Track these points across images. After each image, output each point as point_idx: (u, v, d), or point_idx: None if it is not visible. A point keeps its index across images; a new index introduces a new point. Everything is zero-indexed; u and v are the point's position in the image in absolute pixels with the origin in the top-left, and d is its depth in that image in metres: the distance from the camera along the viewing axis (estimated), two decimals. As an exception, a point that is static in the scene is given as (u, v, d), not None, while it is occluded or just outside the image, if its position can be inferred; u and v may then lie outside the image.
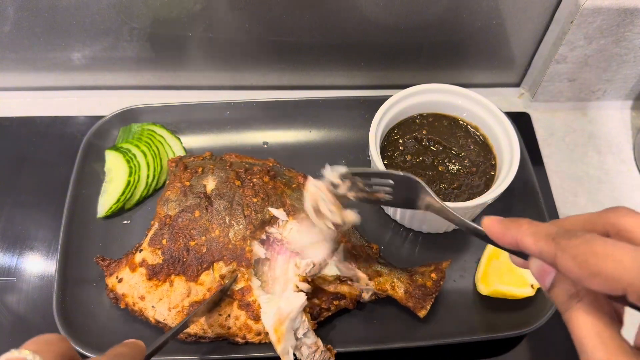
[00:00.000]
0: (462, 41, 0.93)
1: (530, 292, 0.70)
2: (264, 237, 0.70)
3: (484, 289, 0.72)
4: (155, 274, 0.68)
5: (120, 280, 0.69)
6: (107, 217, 0.80)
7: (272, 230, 0.70)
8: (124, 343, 0.46)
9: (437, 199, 0.55)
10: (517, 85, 1.03)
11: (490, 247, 0.74)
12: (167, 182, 0.76)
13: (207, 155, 0.79)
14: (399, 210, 0.77)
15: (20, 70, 0.96)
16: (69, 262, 0.74)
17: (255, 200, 0.71)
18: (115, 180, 0.80)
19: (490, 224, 0.39)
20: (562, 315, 0.34)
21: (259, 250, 0.69)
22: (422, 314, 0.68)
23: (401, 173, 0.58)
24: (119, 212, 0.80)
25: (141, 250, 0.70)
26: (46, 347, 0.39)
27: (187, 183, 0.73)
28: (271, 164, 0.79)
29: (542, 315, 0.69)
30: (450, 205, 0.69)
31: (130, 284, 0.69)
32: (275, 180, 0.74)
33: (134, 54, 0.93)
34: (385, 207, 0.80)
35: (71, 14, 0.85)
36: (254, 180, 0.72)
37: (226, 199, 0.70)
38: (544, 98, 0.98)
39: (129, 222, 0.80)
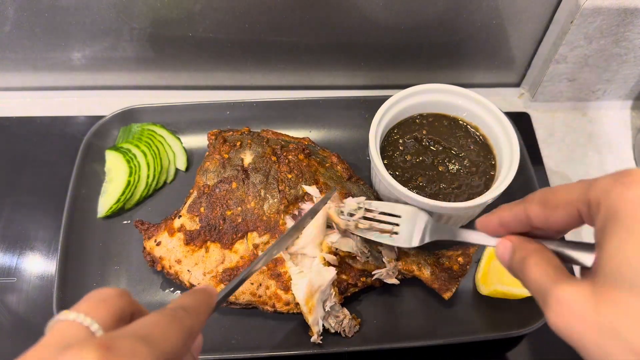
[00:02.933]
0: (462, 41, 0.93)
1: (530, 292, 0.70)
2: (296, 212, 0.72)
3: (484, 289, 0.72)
4: (192, 239, 0.71)
5: (158, 244, 0.72)
6: (107, 217, 0.80)
7: (304, 206, 0.72)
8: (192, 290, 0.41)
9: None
10: (517, 85, 1.03)
11: (490, 248, 0.74)
12: (207, 153, 0.78)
13: (245, 130, 0.82)
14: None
15: (20, 70, 0.96)
16: (69, 262, 0.74)
17: (289, 176, 0.73)
18: (116, 180, 0.80)
19: (479, 220, 0.44)
20: (519, 277, 0.39)
21: (291, 224, 0.71)
22: (447, 295, 0.70)
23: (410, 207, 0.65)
24: (119, 212, 0.80)
25: (180, 216, 0.73)
26: (101, 305, 0.34)
27: (226, 155, 0.75)
28: (306, 143, 0.81)
29: (542, 315, 0.69)
30: (451, 205, 0.69)
31: (167, 247, 0.72)
32: (310, 158, 0.76)
33: (134, 54, 0.93)
34: (384, 200, 0.80)
35: (71, 14, 0.85)
36: (290, 157, 0.75)
37: (262, 173, 0.73)
38: (544, 98, 0.98)
39: (129, 222, 0.80)
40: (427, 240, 0.63)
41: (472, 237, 0.51)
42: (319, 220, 0.68)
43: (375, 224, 0.67)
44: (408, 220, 0.66)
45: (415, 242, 0.64)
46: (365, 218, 0.68)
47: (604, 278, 0.30)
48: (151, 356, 0.31)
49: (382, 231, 0.66)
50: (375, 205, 0.69)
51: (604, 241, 0.31)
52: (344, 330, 0.68)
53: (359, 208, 0.68)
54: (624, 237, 0.29)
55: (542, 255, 0.38)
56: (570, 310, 0.31)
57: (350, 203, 0.69)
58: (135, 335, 0.32)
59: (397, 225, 0.66)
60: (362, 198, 0.70)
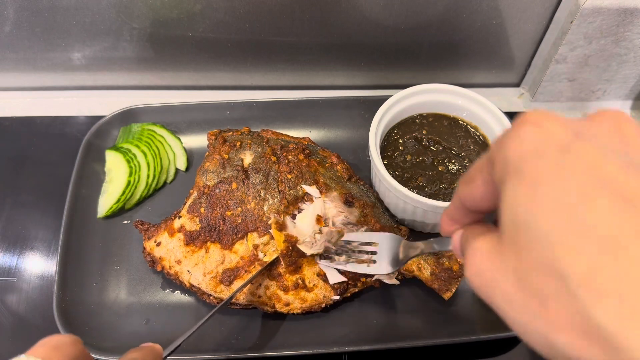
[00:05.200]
0: (462, 41, 0.93)
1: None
2: (296, 212, 0.72)
3: (484, 288, 0.72)
4: (192, 240, 0.71)
5: (158, 244, 0.72)
6: (107, 217, 0.80)
7: (304, 206, 0.72)
8: (140, 347, 0.44)
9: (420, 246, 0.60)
10: (517, 85, 1.03)
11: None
12: (207, 153, 0.78)
13: (245, 130, 0.81)
14: (399, 209, 0.77)
15: (20, 70, 0.96)
16: (69, 262, 0.74)
17: (289, 176, 0.73)
18: (116, 180, 0.80)
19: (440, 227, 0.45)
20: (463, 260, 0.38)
21: (291, 224, 0.71)
22: (447, 296, 0.70)
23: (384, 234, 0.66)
24: (119, 212, 0.80)
25: (180, 216, 0.73)
26: (56, 352, 0.36)
27: (226, 156, 0.75)
28: (306, 143, 0.81)
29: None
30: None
31: (167, 248, 0.72)
32: (310, 158, 0.76)
33: (134, 54, 0.93)
34: (384, 200, 0.80)
35: (71, 14, 0.85)
36: (290, 157, 0.75)
37: (262, 174, 0.73)
38: (544, 98, 0.98)
39: (129, 222, 0.80)
40: (402, 263, 0.64)
41: (440, 244, 0.52)
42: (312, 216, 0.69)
43: (353, 254, 0.68)
44: (384, 247, 0.66)
45: (392, 268, 0.65)
46: (343, 249, 0.69)
47: (505, 229, 0.29)
48: None
49: (360, 261, 0.67)
50: (352, 237, 0.69)
51: (500, 194, 0.30)
52: (330, 240, 0.68)
53: (332, 241, 0.69)
54: (514, 184, 0.29)
55: (478, 227, 0.37)
56: (480, 260, 0.32)
57: (327, 234, 0.69)
58: None
59: (375, 253, 0.66)
60: (336, 231, 0.70)
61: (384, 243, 0.67)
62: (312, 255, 0.69)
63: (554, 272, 0.26)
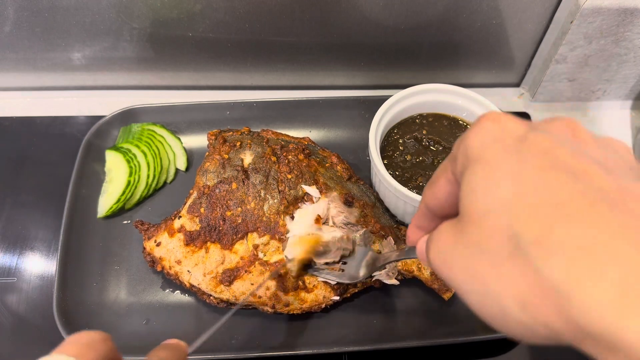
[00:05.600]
0: (462, 41, 0.93)
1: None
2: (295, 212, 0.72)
3: (484, 289, 0.72)
4: (192, 240, 0.71)
5: (158, 244, 0.72)
6: (107, 217, 0.80)
7: (304, 206, 0.72)
8: (165, 345, 0.42)
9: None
10: (517, 85, 1.03)
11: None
12: (207, 153, 0.78)
13: (245, 130, 0.81)
14: (399, 209, 0.77)
15: (20, 70, 0.96)
16: (69, 262, 0.74)
17: (289, 176, 0.73)
18: (116, 180, 0.80)
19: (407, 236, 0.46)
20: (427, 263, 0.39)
21: (290, 224, 0.71)
22: (447, 296, 0.70)
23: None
24: (119, 212, 0.80)
25: (180, 216, 0.73)
26: (88, 350, 0.35)
27: (226, 156, 0.75)
28: (306, 143, 0.81)
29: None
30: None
31: (167, 248, 0.72)
32: (310, 158, 0.76)
33: (134, 54, 0.93)
34: (384, 200, 0.79)
35: (71, 14, 0.85)
36: (290, 157, 0.75)
37: (262, 174, 0.73)
38: (544, 98, 0.98)
39: (129, 222, 0.80)
40: (370, 273, 0.65)
41: (407, 253, 0.54)
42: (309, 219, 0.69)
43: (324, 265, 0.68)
44: (353, 257, 0.68)
45: (360, 277, 0.66)
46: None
47: (463, 209, 0.31)
48: None
49: (331, 269, 0.68)
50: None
51: (461, 181, 0.32)
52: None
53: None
54: (473, 169, 0.30)
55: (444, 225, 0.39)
56: (442, 241, 0.33)
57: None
58: None
59: (345, 263, 0.68)
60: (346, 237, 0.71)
61: (353, 254, 0.68)
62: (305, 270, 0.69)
63: (508, 235, 0.27)
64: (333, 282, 0.69)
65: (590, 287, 0.23)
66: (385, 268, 0.70)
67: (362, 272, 0.66)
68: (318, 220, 0.69)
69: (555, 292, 0.25)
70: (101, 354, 0.36)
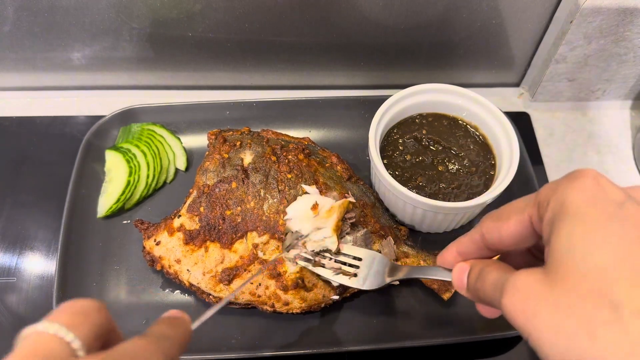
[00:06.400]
0: (462, 41, 0.93)
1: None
2: None
3: (484, 288, 0.72)
4: (191, 239, 0.71)
5: (157, 243, 0.72)
6: (107, 217, 0.80)
7: (300, 197, 0.72)
8: (166, 319, 0.39)
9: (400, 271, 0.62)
10: (517, 85, 1.03)
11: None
12: (207, 153, 0.79)
13: (245, 130, 0.81)
14: (399, 209, 0.77)
15: (20, 70, 0.96)
16: (69, 262, 0.74)
17: (289, 176, 0.73)
18: (115, 180, 0.80)
19: (439, 256, 0.46)
20: (478, 292, 0.39)
21: (288, 209, 0.71)
22: (446, 296, 0.70)
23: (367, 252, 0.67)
24: (119, 212, 0.80)
25: (179, 215, 0.73)
26: (82, 319, 0.32)
27: (226, 155, 0.75)
28: (306, 143, 0.81)
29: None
30: (450, 205, 0.69)
31: (167, 247, 0.72)
32: (310, 158, 0.76)
33: (134, 54, 0.93)
34: (384, 200, 0.79)
35: (71, 14, 0.85)
36: (289, 157, 0.75)
37: (262, 173, 0.73)
38: (544, 98, 0.98)
39: (128, 222, 0.80)
40: (386, 282, 0.63)
41: (430, 272, 0.52)
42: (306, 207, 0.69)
43: (337, 265, 0.67)
44: (367, 263, 0.66)
45: (370, 285, 0.64)
46: (325, 258, 0.68)
47: (556, 263, 0.31)
48: None
49: (344, 273, 0.66)
50: (343, 248, 0.69)
51: (552, 233, 0.32)
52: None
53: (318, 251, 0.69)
54: (571, 224, 0.31)
55: (498, 263, 0.39)
56: (525, 291, 0.33)
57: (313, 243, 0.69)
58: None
59: (358, 267, 0.66)
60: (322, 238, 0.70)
61: (368, 261, 0.66)
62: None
63: (608, 302, 0.27)
64: (339, 283, 0.67)
65: None
66: (397, 283, 0.69)
67: (372, 281, 0.64)
68: (315, 207, 0.68)
69: None
70: (95, 323, 0.33)
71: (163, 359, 0.33)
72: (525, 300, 0.32)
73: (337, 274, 0.66)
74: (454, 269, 0.42)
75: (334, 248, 0.67)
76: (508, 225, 0.37)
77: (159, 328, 0.37)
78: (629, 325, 0.26)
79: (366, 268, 0.66)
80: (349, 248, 0.69)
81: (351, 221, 0.71)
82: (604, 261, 0.28)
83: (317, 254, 0.68)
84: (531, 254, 0.44)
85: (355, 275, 0.65)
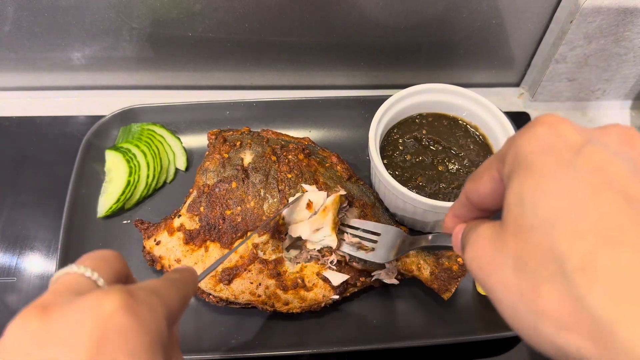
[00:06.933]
0: (462, 41, 0.93)
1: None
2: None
3: (484, 288, 0.72)
4: (192, 238, 0.71)
5: (157, 243, 0.72)
6: (107, 217, 0.80)
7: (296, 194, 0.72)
8: (177, 269, 0.45)
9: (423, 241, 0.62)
10: (517, 85, 1.03)
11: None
12: (207, 153, 0.79)
13: (245, 130, 0.82)
14: (399, 209, 0.77)
15: (20, 70, 0.96)
16: (69, 262, 0.73)
17: (289, 176, 0.73)
18: (115, 180, 0.80)
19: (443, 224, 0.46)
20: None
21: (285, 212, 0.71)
22: (446, 296, 0.70)
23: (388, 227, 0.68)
24: (119, 212, 0.80)
25: (179, 215, 0.73)
26: (104, 264, 0.37)
27: (226, 155, 0.75)
28: (306, 143, 0.81)
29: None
30: (450, 205, 0.69)
31: (167, 247, 0.72)
32: (310, 158, 0.76)
33: (134, 54, 0.93)
34: (384, 200, 0.79)
35: (71, 14, 0.85)
36: (290, 156, 0.75)
37: (262, 173, 0.73)
38: (544, 98, 0.98)
39: (128, 222, 0.80)
40: (401, 254, 0.66)
41: (441, 240, 0.54)
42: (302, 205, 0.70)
43: (356, 240, 0.69)
44: (386, 238, 0.68)
45: (392, 257, 0.66)
46: (343, 233, 0.70)
47: (508, 217, 0.30)
48: (162, 308, 0.35)
49: (362, 247, 0.68)
50: (357, 223, 0.70)
51: (508, 186, 0.31)
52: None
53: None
54: (523, 175, 0.29)
55: (488, 221, 0.38)
56: (481, 244, 0.33)
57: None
58: (147, 289, 0.35)
59: (376, 242, 0.68)
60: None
61: (385, 235, 0.68)
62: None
63: (552, 256, 0.26)
64: (362, 260, 0.69)
65: (636, 326, 0.22)
66: (397, 282, 0.71)
67: (393, 253, 0.66)
68: (309, 205, 0.69)
69: (594, 323, 0.24)
70: (116, 269, 0.38)
71: (178, 293, 0.38)
72: (480, 256, 0.32)
73: (358, 248, 0.68)
74: (453, 232, 0.42)
75: (334, 245, 0.68)
76: (483, 184, 0.36)
77: (170, 274, 0.42)
78: (571, 281, 0.25)
79: (384, 242, 0.67)
80: (364, 223, 0.70)
81: (345, 210, 0.71)
82: (550, 213, 0.27)
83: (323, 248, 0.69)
84: None
85: (373, 249, 0.67)
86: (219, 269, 0.69)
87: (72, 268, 0.36)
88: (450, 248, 0.70)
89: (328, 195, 0.71)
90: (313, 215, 0.69)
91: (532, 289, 0.27)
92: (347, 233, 0.70)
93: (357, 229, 0.70)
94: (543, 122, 0.30)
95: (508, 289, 0.29)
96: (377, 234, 0.68)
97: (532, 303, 0.27)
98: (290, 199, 0.71)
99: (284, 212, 0.70)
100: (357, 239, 0.68)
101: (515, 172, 0.30)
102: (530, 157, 0.29)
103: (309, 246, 0.69)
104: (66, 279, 0.36)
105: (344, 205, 0.72)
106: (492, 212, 0.40)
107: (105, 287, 0.35)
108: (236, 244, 0.70)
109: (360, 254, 0.68)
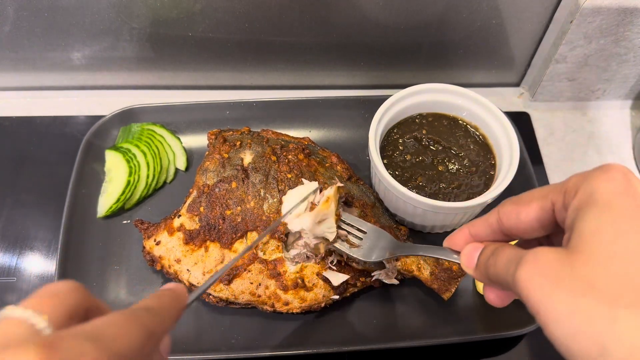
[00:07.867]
0: (462, 41, 0.93)
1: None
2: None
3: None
4: (191, 239, 0.71)
5: (157, 243, 0.72)
6: (107, 217, 0.80)
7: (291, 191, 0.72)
8: (155, 293, 0.38)
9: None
10: (517, 85, 1.03)
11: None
12: (207, 153, 0.79)
13: (245, 130, 0.81)
14: (399, 209, 0.77)
15: (20, 70, 0.96)
16: (69, 262, 0.74)
17: (289, 176, 0.73)
18: (115, 180, 0.80)
19: (447, 238, 0.46)
20: (489, 271, 0.39)
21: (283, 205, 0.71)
22: (446, 296, 0.70)
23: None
24: (119, 212, 0.80)
25: (179, 215, 0.73)
26: (54, 301, 0.32)
27: (226, 155, 0.75)
28: (306, 142, 0.81)
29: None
30: (450, 205, 0.69)
31: (167, 247, 0.72)
32: (310, 158, 0.77)
33: (133, 54, 0.93)
34: (384, 200, 0.79)
35: (71, 14, 0.85)
36: (289, 156, 0.75)
37: (262, 173, 0.73)
38: (544, 98, 0.98)
39: (128, 222, 0.80)
40: (386, 256, 0.65)
41: (435, 252, 0.53)
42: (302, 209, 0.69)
43: (344, 233, 0.68)
44: (371, 238, 0.67)
45: (373, 257, 0.66)
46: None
47: (581, 245, 0.32)
48: (101, 357, 0.28)
49: (348, 241, 0.68)
50: (346, 217, 0.70)
51: (578, 218, 0.33)
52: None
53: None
54: (600, 211, 0.32)
55: (513, 245, 0.39)
56: (544, 265, 0.33)
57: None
58: (85, 334, 0.29)
59: (361, 239, 0.68)
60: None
61: (371, 234, 0.67)
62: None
63: (632, 285, 0.28)
64: (346, 254, 0.68)
65: None
66: (397, 282, 0.71)
67: (375, 254, 0.66)
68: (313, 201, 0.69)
69: None
70: (68, 304, 0.32)
71: (143, 332, 0.32)
72: (542, 274, 0.32)
73: (344, 240, 0.68)
74: (466, 246, 0.43)
75: (332, 238, 0.68)
76: (528, 210, 0.38)
77: (145, 301, 0.36)
78: None
79: (369, 241, 0.67)
80: (352, 218, 0.69)
81: (342, 200, 0.71)
82: (632, 247, 0.29)
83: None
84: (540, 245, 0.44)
85: (358, 246, 0.67)
86: (219, 269, 0.69)
87: (11, 311, 0.30)
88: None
89: (322, 189, 0.71)
90: (310, 206, 0.68)
91: (608, 313, 0.28)
92: (339, 226, 0.69)
93: (347, 223, 0.69)
94: (618, 170, 0.34)
95: (573, 312, 0.30)
96: (363, 232, 0.68)
97: (606, 326, 0.28)
98: (291, 192, 0.70)
99: (284, 211, 0.70)
100: (345, 232, 0.68)
101: (589, 207, 0.33)
102: (607, 196, 0.32)
103: (305, 239, 0.69)
104: (2, 326, 0.30)
105: (342, 196, 0.71)
106: (515, 238, 0.41)
107: (28, 340, 0.28)
108: (236, 244, 0.70)
109: (345, 247, 0.67)
